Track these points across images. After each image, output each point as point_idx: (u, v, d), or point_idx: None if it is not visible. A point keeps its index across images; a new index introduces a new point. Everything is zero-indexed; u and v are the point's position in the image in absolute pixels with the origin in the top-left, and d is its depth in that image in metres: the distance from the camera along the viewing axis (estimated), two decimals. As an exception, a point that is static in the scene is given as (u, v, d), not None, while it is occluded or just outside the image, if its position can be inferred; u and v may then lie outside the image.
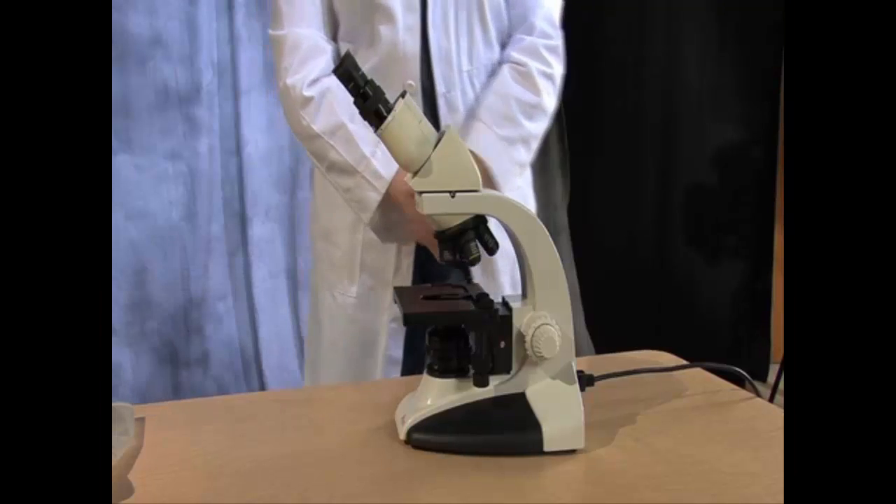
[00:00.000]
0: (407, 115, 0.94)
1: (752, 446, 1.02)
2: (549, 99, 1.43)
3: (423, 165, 0.95)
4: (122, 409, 0.89)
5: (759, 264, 3.23)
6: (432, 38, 1.35)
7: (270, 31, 1.39)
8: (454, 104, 1.40)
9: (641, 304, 3.09)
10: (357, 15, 1.36)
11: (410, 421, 1.00)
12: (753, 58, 3.06)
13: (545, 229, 0.99)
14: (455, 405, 1.00)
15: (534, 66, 1.41)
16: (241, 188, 2.70)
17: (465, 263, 1.00)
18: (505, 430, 0.99)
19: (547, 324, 0.97)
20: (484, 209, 0.98)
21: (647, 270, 3.10)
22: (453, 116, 1.39)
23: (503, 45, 1.46)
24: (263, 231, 2.75)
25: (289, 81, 1.34)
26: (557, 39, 1.46)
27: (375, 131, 0.95)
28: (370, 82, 0.94)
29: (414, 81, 1.34)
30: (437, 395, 1.01)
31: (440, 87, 1.38)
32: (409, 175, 0.97)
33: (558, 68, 1.46)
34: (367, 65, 1.34)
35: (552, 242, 1.00)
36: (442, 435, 0.99)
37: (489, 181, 1.34)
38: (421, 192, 0.95)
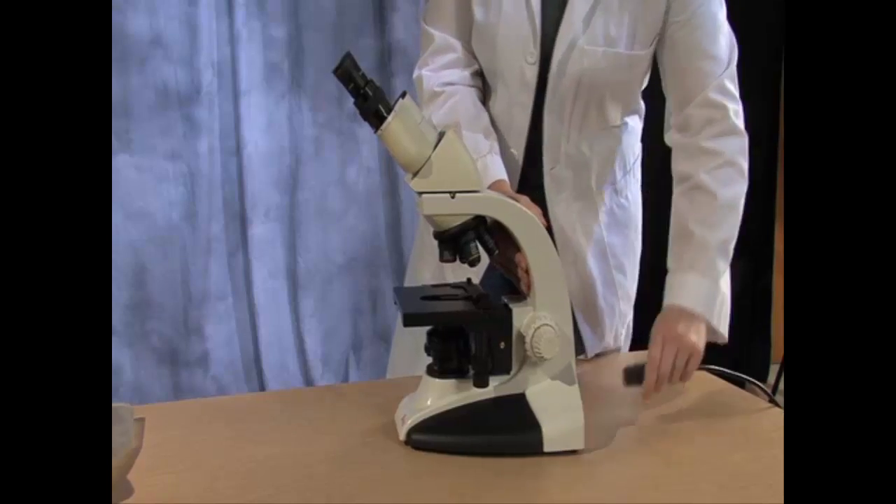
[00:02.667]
0: (407, 115, 0.94)
1: (753, 446, 1.02)
2: (741, 183, 1.26)
3: (423, 166, 0.95)
4: (122, 409, 0.89)
5: (759, 264, 3.22)
6: (546, 122, 1.26)
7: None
8: (560, 179, 1.31)
9: (641, 305, 3.09)
10: (483, 65, 1.31)
11: (410, 421, 1.00)
12: (753, 58, 3.05)
13: (545, 230, 0.99)
14: (455, 406, 1.00)
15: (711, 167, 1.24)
16: (241, 188, 2.70)
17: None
18: (505, 431, 0.99)
19: (547, 324, 0.97)
20: (484, 210, 0.98)
21: (648, 271, 3.09)
22: (559, 193, 1.31)
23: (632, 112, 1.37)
24: (263, 231, 2.75)
25: (419, 72, 1.32)
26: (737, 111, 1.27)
27: (375, 131, 0.95)
28: (370, 82, 0.94)
29: (517, 152, 1.28)
30: (437, 395, 1.01)
31: (547, 164, 1.29)
32: (409, 175, 0.97)
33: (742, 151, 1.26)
34: (490, 111, 1.30)
35: (552, 243, 1.00)
36: (442, 435, 0.99)
37: (713, 333, 1.20)
38: (421, 193, 0.95)
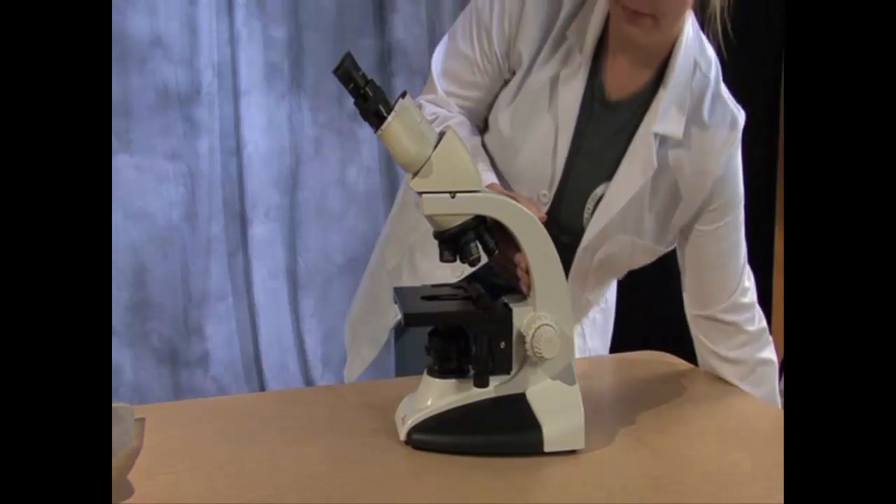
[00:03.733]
0: (407, 115, 0.94)
1: (752, 447, 1.02)
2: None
3: (423, 166, 0.95)
4: (122, 409, 0.89)
5: (759, 264, 3.22)
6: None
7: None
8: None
9: (641, 305, 3.08)
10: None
11: (411, 421, 1.00)
12: (753, 58, 3.05)
13: (545, 230, 0.99)
14: (455, 406, 1.00)
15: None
16: (241, 188, 2.70)
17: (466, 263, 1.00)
18: (505, 431, 0.99)
19: (547, 324, 0.97)
20: (484, 210, 0.98)
21: (648, 271, 3.09)
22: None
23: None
24: (263, 231, 2.75)
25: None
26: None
27: (376, 132, 0.95)
28: (370, 82, 0.94)
29: None
30: (438, 395, 1.01)
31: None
32: (409, 175, 0.97)
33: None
34: None
35: (552, 243, 1.00)
36: (442, 435, 0.99)
37: None
38: (421, 193, 0.95)
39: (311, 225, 2.80)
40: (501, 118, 1.21)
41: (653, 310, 3.13)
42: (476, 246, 0.99)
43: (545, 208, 1.20)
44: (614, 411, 1.12)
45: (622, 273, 1.33)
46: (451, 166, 0.95)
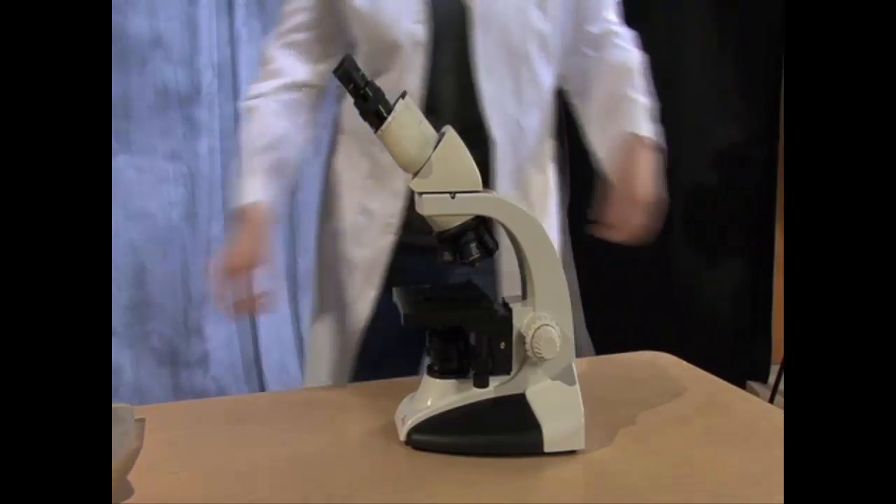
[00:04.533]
0: (407, 115, 0.94)
1: (752, 447, 1.02)
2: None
3: (423, 166, 0.95)
4: (122, 410, 0.89)
5: (759, 264, 3.23)
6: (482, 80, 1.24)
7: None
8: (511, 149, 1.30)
9: (641, 305, 3.09)
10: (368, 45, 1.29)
11: (411, 422, 1.00)
12: (753, 58, 3.05)
13: (545, 230, 0.99)
14: (455, 406, 1.00)
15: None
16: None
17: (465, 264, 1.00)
18: (505, 431, 0.99)
19: (547, 325, 0.97)
20: (484, 210, 0.98)
21: (647, 270, 3.10)
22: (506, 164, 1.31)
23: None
24: (263, 231, 2.75)
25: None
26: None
27: (375, 132, 0.95)
28: (370, 83, 0.94)
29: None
30: (438, 396, 1.01)
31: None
32: (409, 175, 0.97)
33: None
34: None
35: (552, 243, 1.00)
36: (442, 436, 0.99)
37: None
38: (421, 193, 0.95)
39: (311, 225, 2.79)
40: None
41: (652, 310, 3.14)
42: (476, 246, 0.99)
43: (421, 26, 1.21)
44: (614, 411, 1.12)
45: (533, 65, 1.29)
46: (451, 166, 0.95)
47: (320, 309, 1.41)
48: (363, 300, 1.31)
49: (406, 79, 1.21)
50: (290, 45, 1.32)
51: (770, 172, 3.22)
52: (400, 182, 1.26)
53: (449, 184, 0.95)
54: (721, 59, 3.00)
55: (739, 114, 3.09)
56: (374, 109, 0.94)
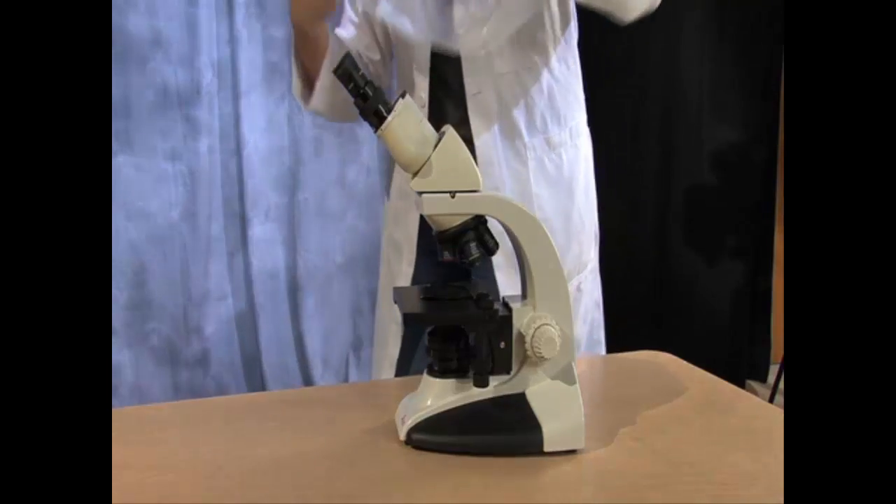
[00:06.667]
0: (407, 115, 0.94)
1: (752, 447, 1.02)
2: None
3: (423, 166, 0.95)
4: None
5: (759, 264, 3.23)
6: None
7: None
8: (485, 105, 1.37)
9: (641, 305, 3.09)
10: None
11: (410, 421, 1.00)
12: (753, 57, 3.06)
13: (545, 229, 0.99)
14: (455, 405, 1.00)
15: None
16: (241, 188, 2.70)
17: (464, 264, 1.00)
18: (505, 431, 0.99)
19: (547, 324, 0.97)
20: (484, 209, 0.98)
21: (647, 270, 3.10)
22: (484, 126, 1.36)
23: None
24: (263, 231, 2.75)
25: None
26: None
27: (375, 131, 0.95)
28: (370, 82, 0.94)
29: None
30: (437, 395, 1.01)
31: (469, 88, 1.35)
32: (409, 176, 0.97)
33: None
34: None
35: (552, 242, 1.00)
36: (442, 435, 0.99)
37: None
38: (421, 193, 0.95)
39: (310, 225, 2.80)
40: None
41: (652, 310, 3.14)
42: (476, 246, 0.99)
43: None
44: (614, 411, 1.12)
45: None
46: (451, 166, 0.95)
47: (382, 293, 1.56)
48: (403, 277, 1.46)
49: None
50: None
51: (770, 172, 3.22)
52: None
53: (449, 183, 0.95)
54: (721, 59, 3.01)
55: (739, 113, 3.10)
56: (374, 109, 0.94)
